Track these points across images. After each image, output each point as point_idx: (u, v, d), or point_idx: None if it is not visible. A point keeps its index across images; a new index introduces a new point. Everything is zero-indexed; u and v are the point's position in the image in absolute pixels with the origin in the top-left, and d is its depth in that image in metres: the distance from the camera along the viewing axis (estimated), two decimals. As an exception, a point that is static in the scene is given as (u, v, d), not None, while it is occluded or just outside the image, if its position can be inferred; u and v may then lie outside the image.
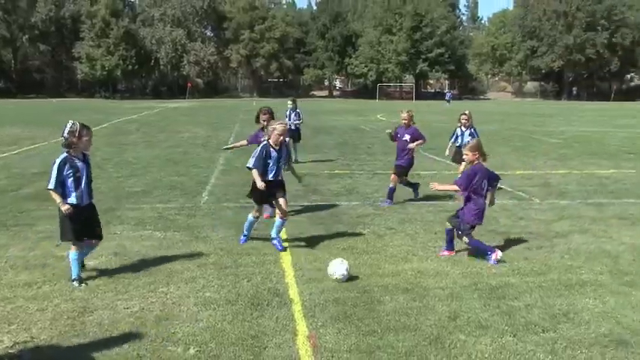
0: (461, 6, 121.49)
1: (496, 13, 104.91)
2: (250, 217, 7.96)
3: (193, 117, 35.87)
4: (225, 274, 6.89)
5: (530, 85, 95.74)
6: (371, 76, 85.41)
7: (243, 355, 4.91)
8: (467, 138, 11.57)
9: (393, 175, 10.78)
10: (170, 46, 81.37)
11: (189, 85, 77.73)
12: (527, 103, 74.86)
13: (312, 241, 8.24)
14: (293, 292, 6.35)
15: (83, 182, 6.41)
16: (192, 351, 4.98)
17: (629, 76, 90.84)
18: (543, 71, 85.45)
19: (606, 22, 78.03)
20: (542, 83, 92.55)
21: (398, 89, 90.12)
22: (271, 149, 7.63)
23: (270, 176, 7.67)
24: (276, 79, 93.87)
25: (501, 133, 26.15)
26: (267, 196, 7.76)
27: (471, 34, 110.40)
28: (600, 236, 8.74)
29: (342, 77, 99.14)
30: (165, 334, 5.30)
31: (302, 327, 5.48)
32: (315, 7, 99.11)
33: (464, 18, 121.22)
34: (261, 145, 7.67)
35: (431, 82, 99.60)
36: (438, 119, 34.02)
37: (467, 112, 12.20)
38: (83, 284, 6.41)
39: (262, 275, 6.86)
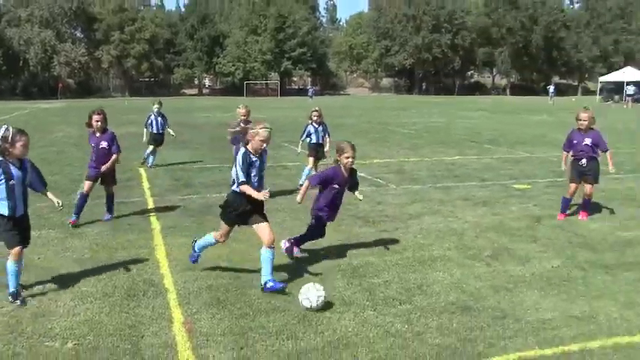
0: (321, 8, 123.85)
1: (353, 15, 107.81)
2: (212, 238, 6.36)
3: (65, 117, 33.85)
4: (101, 268, 6.65)
5: (386, 81, 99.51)
6: (238, 74, 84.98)
7: (121, 345, 4.78)
8: (321, 134, 11.57)
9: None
10: (39, 47, 76.22)
11: (60, 85, 73.30)
12: (382, 97, 77.78)
13: (185, 233, 8.11)
14: (168, 282, 6.24)
15: (17, 191, 5.64)
16: (69, 345, 4.79)
17: (469, 73, 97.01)
18: (396, 68, 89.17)
19: (449, 25, 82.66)
20: (396, 79, 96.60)
21: (264, 86, 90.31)
22: (252, 157, 6.02)
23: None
24: (147, 79, 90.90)
25: (360, 125, 26.96)
26: (247, 216, 6.10)
27: (331, 34, 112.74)
28: (448, 216, 9.30)
29: (211, 76, 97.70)
30: (42, 330, 5.06)
31: (177, 314, 5.42)
32: (183, 9, 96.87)
33: (324, 20, 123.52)
34: (241, 153, 6.00)
35: (295, 79, 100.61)
36: (304, 114, 34.40)
37: (317, 108, 11.86)
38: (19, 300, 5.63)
39: (138, 267, 6.68)
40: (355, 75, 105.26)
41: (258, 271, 6.04)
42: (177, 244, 7.63)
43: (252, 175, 6.03)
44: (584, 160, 8.84)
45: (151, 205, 10.15)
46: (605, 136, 9.17)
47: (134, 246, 7.54)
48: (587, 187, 8.99)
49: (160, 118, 15.02)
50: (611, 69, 69.79)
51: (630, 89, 48.79)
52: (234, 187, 6.06)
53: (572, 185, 9.00)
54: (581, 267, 6.82)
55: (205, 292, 5.96)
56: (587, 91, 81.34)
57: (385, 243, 7.75)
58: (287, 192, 11.01)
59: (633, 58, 75.51)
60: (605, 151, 8.88)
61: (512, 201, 10.46)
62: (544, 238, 7.99)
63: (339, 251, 7.38)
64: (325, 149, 11.39)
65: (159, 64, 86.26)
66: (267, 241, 5.96)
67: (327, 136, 11.60)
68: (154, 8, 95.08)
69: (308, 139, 11.68)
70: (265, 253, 5.95)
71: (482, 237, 8.08)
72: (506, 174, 13.42)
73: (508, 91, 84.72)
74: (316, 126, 11.57)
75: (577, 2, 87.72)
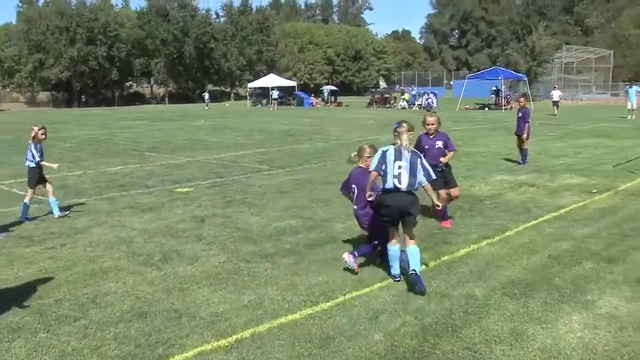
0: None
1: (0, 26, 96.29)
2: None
3: None
4: None
5: (43, 95, 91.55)
6: None
7: None
8: None
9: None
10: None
11: None
12: (41, 112, 71.32)
13: None
14: None
15: None
16: None
17: (128, 83, 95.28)
18: (53, 82, 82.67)
19: (104, 37, 79.86)
20: (54, 93, 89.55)
21: None
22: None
23: None
24: None
25: (19, 142, 24.36)
26: None
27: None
28: (115, 226, 9.05)
29: None
30: None
31: None
32: None
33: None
34: None
35: None
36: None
37: None
38: None
39: None
40: (9, 89, 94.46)
41: None
42: None
43: None
44: (441, 165, 8.58)
45: None
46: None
47: None
48: (454, 191, 8.85)
49: None
50: (257, 76, 75.78)
51: (275, 93, 53.67)
52: None
53: (442, 192, 8.38)
54: (245, 259, 7.30)
55: None
56: (239, 97, 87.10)
57: (53, 261, 7.19)
58: None
59: (274, 66, 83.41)
60: (453, 151, 8.82)
61: (176, 204, 10.66)
62: (209, 237, 8.34)
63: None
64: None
65: None
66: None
67: None
68: None
69: None
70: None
71: (151, 242, 8.09)
72: (169, 179, 13.59)
73: (167, 99, 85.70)
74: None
75: (222, 17, 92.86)
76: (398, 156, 6.22)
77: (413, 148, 6.44)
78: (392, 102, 54.42)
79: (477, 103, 49.47)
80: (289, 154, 18.31)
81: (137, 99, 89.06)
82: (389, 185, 6.20)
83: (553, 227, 8.61)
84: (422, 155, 6.47)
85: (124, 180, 13.63)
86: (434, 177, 6.43)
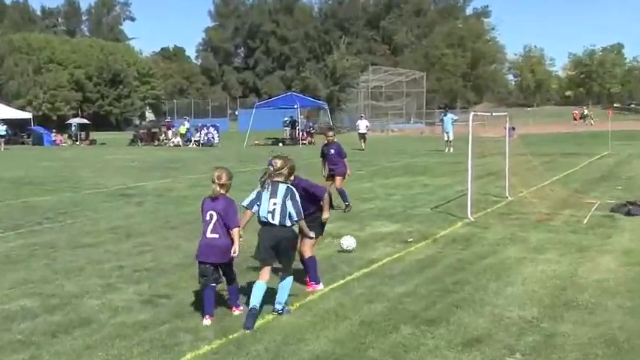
0: None
1: None
2: None
3: None
4: None
5: None
6: None
7: None
8: None
9: None
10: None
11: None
12: None
13: None
14: None
15: None
16: None
17: None
18: None
19: None
20: None
21: None
22: None
23: None
24: None
25: None
26: None
27: None
28: None
29: None
30: None
31: None
32: None
33: None
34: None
35: None
36: None
37: None
38: None
39: None
40: None
41: None
42: None
43: None
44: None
45: None
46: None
47: None
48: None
49: None
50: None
51: (1, 129, 50.22)
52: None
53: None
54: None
55: None
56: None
57: None
58: None
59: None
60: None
61: None
62: None
63: None
64: None
65: None
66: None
67: None
68: None
69: None
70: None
71: None
72: None
73: None
74: None
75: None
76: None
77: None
78: (162, 138, 54.26)
79: (269, 138, 51.21)
80: (24, 209, 17.32)
81: None
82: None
83: (364, 286, 8.98)
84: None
85: None
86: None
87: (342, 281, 9.27)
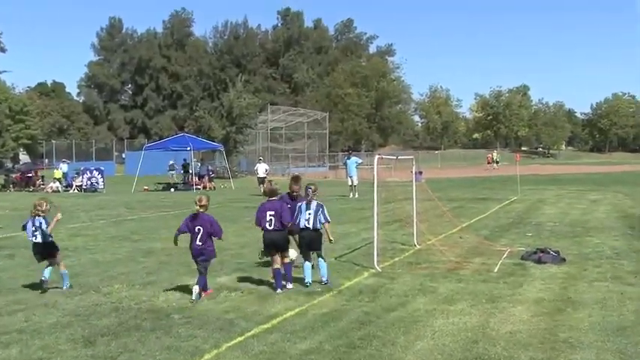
0: None
1: None
2: None
3: None
4: None
5: None
6: None
7: None
8: None
9: None
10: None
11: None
12: None
13: None
14: None
15: None
16: None
17: None
18: None
19: None
20: None
21: None
22: None
23: None
24: None
25: None
26: None
27: None
28: None
29: None
30: None
31: None
32: None
33: None
34: None
35: None
36: None
37: None
38: None
39: None
40: None
41: None
42: None
43: None
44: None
45: None
46: None
47: None
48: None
49: None
50: None
51: None
52: None
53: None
54: None
55: None
56: None
57: None
58: None
59: None
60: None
61: None
62: None
63: None
64: None
65: None
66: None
67: None
68: None
69: None
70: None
71: None
72: None
73: None
74: None
75: None
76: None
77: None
78: (38, 183, 52.67)
79: (160, 183, 50.52)
80: None
81: None
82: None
83: (264, 344, 8.87)
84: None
85: None
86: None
87: (240, 339, 9.13)
